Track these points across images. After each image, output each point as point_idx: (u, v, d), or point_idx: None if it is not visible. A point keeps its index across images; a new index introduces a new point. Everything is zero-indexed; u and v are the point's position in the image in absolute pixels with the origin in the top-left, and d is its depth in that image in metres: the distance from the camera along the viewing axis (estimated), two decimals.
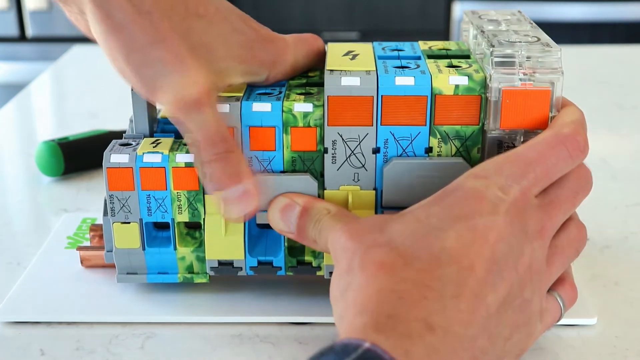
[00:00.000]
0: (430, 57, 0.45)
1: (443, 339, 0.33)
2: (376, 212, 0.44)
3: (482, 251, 0.35)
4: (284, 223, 0.42)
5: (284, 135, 0.43)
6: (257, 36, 0.43)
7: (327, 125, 0.42)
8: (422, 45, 0.48)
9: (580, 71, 0.94)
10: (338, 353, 0.30)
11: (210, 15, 0.42)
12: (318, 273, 0.45)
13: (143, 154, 0.43)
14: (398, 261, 0.35)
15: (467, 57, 0.45)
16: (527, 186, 0.38)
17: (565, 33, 1.92)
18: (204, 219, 0.44)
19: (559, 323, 0.43)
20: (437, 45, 0.48)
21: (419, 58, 0.45)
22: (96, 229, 0.50)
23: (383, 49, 0.47)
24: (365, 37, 1.99)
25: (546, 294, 0.40)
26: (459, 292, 0.34)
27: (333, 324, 0.44)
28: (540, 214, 0.38)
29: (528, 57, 0.41)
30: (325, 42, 0.50)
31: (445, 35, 2.00)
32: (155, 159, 0.43)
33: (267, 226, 0.46)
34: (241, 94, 0.43)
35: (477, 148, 0.43)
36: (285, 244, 0.45)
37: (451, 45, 0.48)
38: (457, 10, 1.96)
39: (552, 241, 0.39)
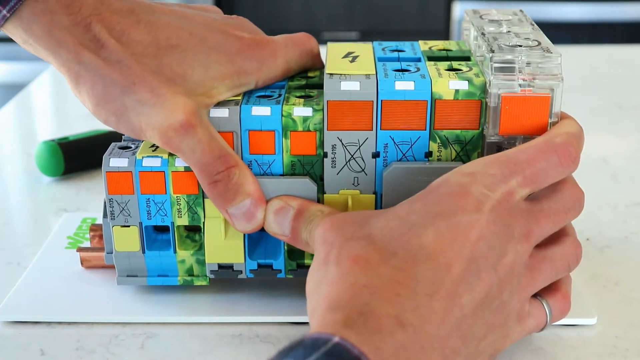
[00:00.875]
0: (430, 58, 0.45)
1: (413, 336, 0.33)
2: None
3: (461, 250, 0.35)
4: (277, 226, 0.42)
5: (284, 139, 0.42)
6: (240, 46, 0.43)
7: (327, 129, 0.42)
8: (423, 45, 0.48)
9: (580, 71, 0.94)
10: (307, 347, 0.30)
11: (184, 43, 0.42)
12: None
13: (142, 157, 0.43)
14: (374, 256, 0.35)
15: (468, 58, 0.45)
16: (515, 187, 0.37)
17: (565, 33, 1.91)
18: (203, 223, 0.44)
19: (559, 323, 0.44)
20: (437, 45, 0.48)
21: (419, 60, 0.45)
22: (96, 228, 0.50)
23: (383, 49, 0.47)
24: (365, 37, 1.99)
25: (533, 299, 0.40)
26: (433, 291, 0.34)
27: None
28: (528, 218, 0.38)
29: (528, 63, 0.40)
30: (325, 42, 0.49)
31: (445, 35, 2.00)
32: (155, 163, 0.43)
33: None
34: (240, 98, 0.43)
35: (477, 153, 0.43)
36: (285, 247, 0.45)
37: (452, 45, 0.48)
38: (457, 10, 1.95)
39: (542, 251, 0.39)
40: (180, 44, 0.42)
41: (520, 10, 0.48)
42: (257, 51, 0.43)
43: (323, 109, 0.42)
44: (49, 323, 0.45)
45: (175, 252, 0.45)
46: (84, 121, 0.78)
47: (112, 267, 0.47)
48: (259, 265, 0.45)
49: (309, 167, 0.43)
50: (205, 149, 0.41)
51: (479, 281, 0.35)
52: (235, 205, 0.41)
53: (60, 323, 0.45)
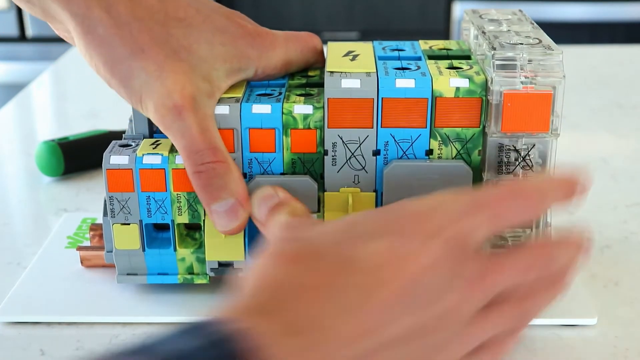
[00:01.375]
0: (430, 57, 0.45)
1: (320, 344, 0.30)
2: None
3: (402, 274, 0.32)
4: (257, 210, 0.41)
5: (284, 137, 0.43)
6: (243, 32, 0.44)
7: (327, 127, 0.42)
8: (423, 45, 0.48)
9: (580, 71, 0.94)
10: (196, 330, 0.28)
11: (190, 18, 0.42)
12: None
13: (143, 155, 0.43)
14: (307, 257, 0.33)
15: (468, 57, 0.45)
16: (477, 224, 0.34)
17: (565, 33, 1.91)
18: (203, 220, 0.44)
19: (559, 323, 0.44)
20: (437, 44, 0.48)
21: (419, 59, 0.45)
22: (96, 228, 0.50)
23: (383, 48, 0.47)
24: (365, 37, 1.99)
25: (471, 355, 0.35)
26: (359, 304, 0.31)
27: None
28: (484, 264, 0.34)
29: (529, 60, 0.40)
30: (325, 42, 0.50)
31: (445, 35, 2.00)
32: (155, 160, 0.43)
33: None
34: (240, 95, 0.43)
35: (477, 150, 0.43)
36: None
37: (452, 44, 0.48)
38: (457, 9, 1.95)
39: (490, 306, 0.35)
40: (187, 18, 0.42)
41: (520, 10, 0.48)
42: (258, 40, 0.44)
43: (324, 107, 0.42)
44: (49, 323, 0.45)
45: (175, 250, 0.45)
46: (84, 121, 0.78)
47: (112, 266, 0.47)
48: None
49: (310, 165, 0.43)
50: (194, 136, 0.41)
51: (410, 313, 0.32)
52: (218, 202, 0.41)
53: (60, 323, 0.45)
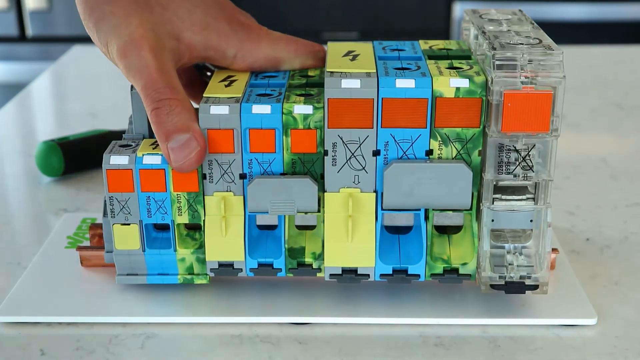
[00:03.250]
0: (430, 57, 0.45)
1: None
2: (376, 215, 0.44)
3: None
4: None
5: (284, 137, 0.43)
6: (231, 18, 0.45)
7: (328, 127, 0.42)
8: (423, 45, 0.48)
9: (580, 71, 0.94)
10: None
11: None
12: (318, 275, 0.45)
13: (143, 155, 0.43)
14: None
15: (468, 57, 0.45)
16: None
17: (566, 33, 1.91)
18: (204, 221, 0.44)
19: (559, 323, 0.44)
20: (437, 44, 0.48)
21: (419, 58, 0.45)
22: (96, 228, 0.50)
23: (383, 48, 0.47)
24: (365, 37, 1.99)
25: None
26: None
27: (333, 324, 0.44)
28: None
29: (530, 61, 0.41)
30: (325, 42, 0.50)
31: (445, 35, 2.00)
32: (155, 160, 0.43)
33: (267, 228, 0.46)
34: (240, 95, 0.43)
35: (477, 151, 0.43)
36: (286, 245, 0.45)
37: (452, 44, 0.48)
38: (457, 9, 1.95)
39: None
40: None
41: (520, 10, 0.48)
42: (244, 29, 0.45)
43: (324, 107, 0.42)
44: (49, 323, 0.45)
45: (175, 250, 0.45)
46: (84, 121, 0.78)
47: (112, 266, 0.47)
48: (259, 264, 0.45)
49: (310, 165, 0.43)
50: (153, 75, 0.42)
51: None
52: (173, 138, 0.41)
53: (60, 323, 0.45)
